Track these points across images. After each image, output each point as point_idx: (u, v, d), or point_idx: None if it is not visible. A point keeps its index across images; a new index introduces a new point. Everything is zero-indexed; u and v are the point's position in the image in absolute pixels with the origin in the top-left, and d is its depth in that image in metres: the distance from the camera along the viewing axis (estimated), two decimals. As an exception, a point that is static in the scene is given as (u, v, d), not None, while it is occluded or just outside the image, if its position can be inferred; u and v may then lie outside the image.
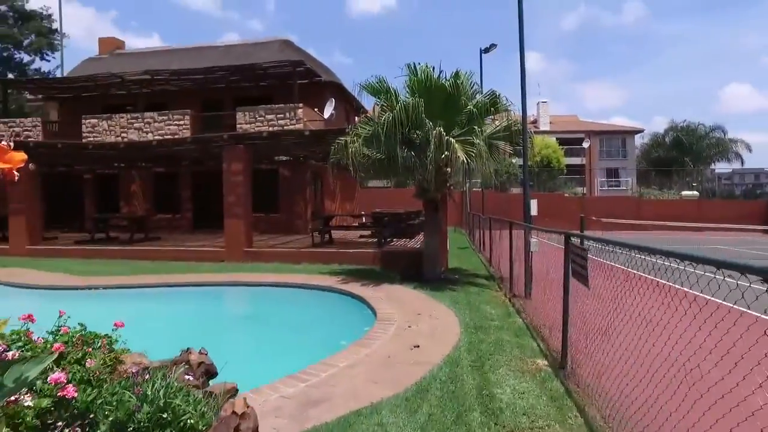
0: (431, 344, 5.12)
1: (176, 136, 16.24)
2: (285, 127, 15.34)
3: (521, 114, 8.84)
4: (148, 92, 20.25)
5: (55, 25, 33.17)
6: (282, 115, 16.51)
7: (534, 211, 8.36)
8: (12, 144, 1.65)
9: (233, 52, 21.95)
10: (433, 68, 8.96)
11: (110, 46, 24.96)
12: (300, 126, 15.39)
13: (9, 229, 13.71)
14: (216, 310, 8.30)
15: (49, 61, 34.25)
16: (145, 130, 17.48)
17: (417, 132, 8.80)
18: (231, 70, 17.84)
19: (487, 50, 20.22)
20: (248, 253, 12.10)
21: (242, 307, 8.69)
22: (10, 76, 31.56)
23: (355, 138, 8.74)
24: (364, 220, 16.97)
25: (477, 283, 9.19)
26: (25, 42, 32.73)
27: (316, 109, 17.61)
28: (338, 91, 20.32)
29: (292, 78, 17.30)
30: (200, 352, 3.03)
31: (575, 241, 4.25)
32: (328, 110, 17.64)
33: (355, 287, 8.38)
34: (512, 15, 9.26)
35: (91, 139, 17.06)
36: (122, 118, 18.19)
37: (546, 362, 4.53)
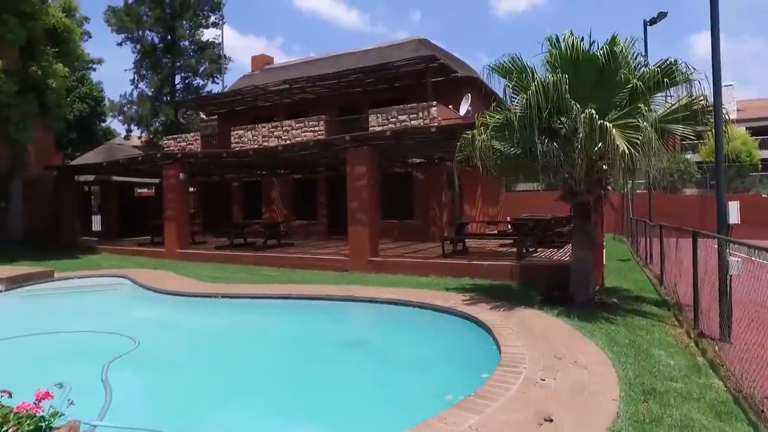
0: (571, 419, 3.47)
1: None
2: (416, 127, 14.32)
3: (712, 91, 6.43)
4: (289, 102, 21.04)
5: (222, 52, 37.07)
6: (415, 115, 15.57)
7: (734, 218, 5.95)
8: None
9: (369, 56, 21.75)
10: (582, 39, 7.06)
11: (261, 62, 26.76)
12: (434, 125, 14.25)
13: (164, 234, 14.93)
14: (314, 329, 7.44)
15: (217, 83, 38.41)
16: (284, 137, 18.01)
17: (560, 118, 6.98)
18: (364, 72, 17.45)
19: (653, 21, 16.82)
20: (372, 263, 11.27)
21: (343, 328, 7.68)
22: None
23: (482, 129, 7.24)
24: (504, 228, 15.14)
25: (643, 312, 6.99)
26: (201, 69, 37.27)
27: (451, 107, 16.33)
28: (477, 87, 18.76)
29: (426, 76, 16.30)
30: None
31: None
32: (464, 107, 16.22)
33: (482, 311, 6.88)
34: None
35: (238, 149, 18.07)
36: (264, 127, 19.04)
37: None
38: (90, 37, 42.17)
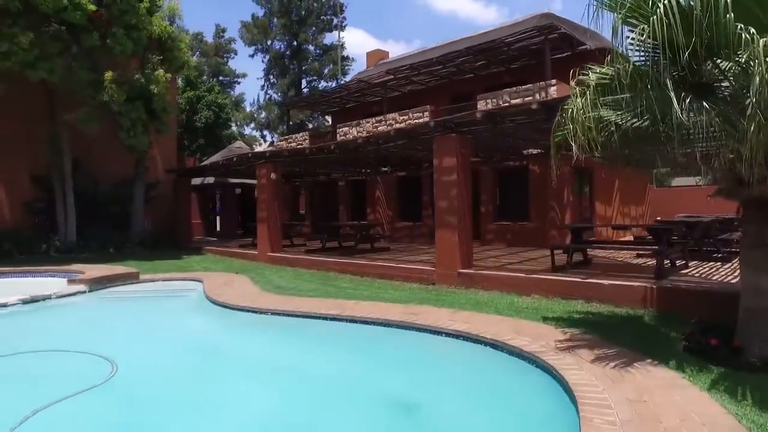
0: None
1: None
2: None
3: None
4: (399, 94, 19.67)
5: (340, 53, 37.34)
6: (530, 98, 13.03)
7: None
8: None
9: (486, 38, 19.41)
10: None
11: (376, 58, 25.84)
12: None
13: (257, 236, 14.49)
14: (349, 369, 5.68)
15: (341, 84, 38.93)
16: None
17: (716, 62, 4.34)
18: (472, 53, 15.28)
19: None
20: (463, 277, 9.21)
21: (382, 373, 5.52)
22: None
23: (583, 91, 4.88)
24: (640, 233, 11.82)
25: None
26: (325, 71, 38.03)
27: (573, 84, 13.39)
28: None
29: (544, 50, 13.64)
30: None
31: None
32: (592, 83, 13.16)
33: (578, 362, 4.55)
34: None
35: (321, 144, 17.20)
36: (368, 122, 17.87)
37: None
38: (236, 54, 46.10)
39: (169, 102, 15.02)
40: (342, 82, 38.75)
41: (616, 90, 4.68)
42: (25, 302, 9.08)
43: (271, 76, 36.85)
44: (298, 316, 7.43)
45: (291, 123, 35.93)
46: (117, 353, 5.65)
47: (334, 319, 7.10)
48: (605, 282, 7.48)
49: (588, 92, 4.73)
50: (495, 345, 5.44)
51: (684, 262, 8.99)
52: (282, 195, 14.43)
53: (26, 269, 12.57)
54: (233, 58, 45.69)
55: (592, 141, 4.88)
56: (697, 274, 8.30)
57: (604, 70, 4.89)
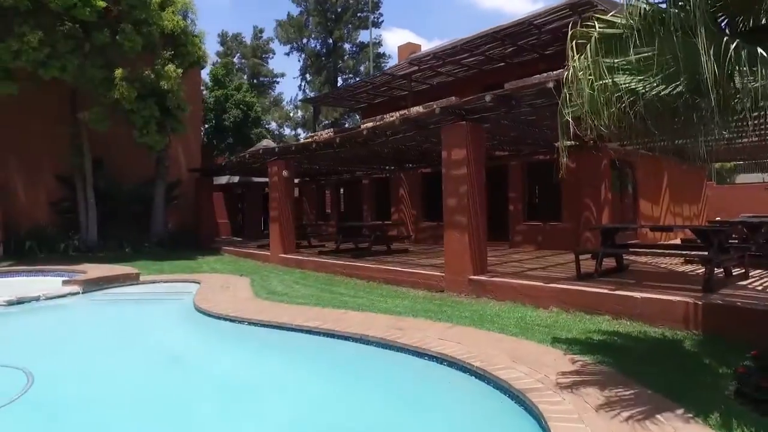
0: None
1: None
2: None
3: None
4: (427, 87, 18.60)
5: (371, 51, 36.47)
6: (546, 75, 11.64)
7: None
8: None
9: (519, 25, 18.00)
10: None
11: (407, 51, 24.79)
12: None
13: (270, 237, 13.83)
14: (293, 392, 4.73)
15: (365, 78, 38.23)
16: (408, 126, 15.59)
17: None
18: (499, 39, 14.00)
19: None
20: (474, 284, 8.08)
21: (330, 404, 4.47)
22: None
23: (587, 48, 3.70)
24: (688, 235, 10.19)
25: None
26: (361, 68, 37.33)
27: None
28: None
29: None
30: None
31: None
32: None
33: (581, 413, 3.40)
34: None
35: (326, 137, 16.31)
36: (391, 116, 16.86)
37: None
38: (273, 54, 46.35)
39: (183, 99, 14.55)
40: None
41: (624, 43, 3.49)
42: (10, 304, 8.73)
43: (307, 75, 36.57)
44: (273, 327, 6.56)
45: (326, 122, 35.55)
46: (56, 363, 5.05)
47: (310, 332, 6.18)
48: (638, 295, 6.15)
49: (589, 47, 3.55)
50: (481, 375, 4.34)
51: (743, 271, 7.46)
52: (292, 193, 13.68)
53: (39, 268, 12.44)
54: (272, 57, 45.97)
55: (607, 115, 3.75)
56: (759, 287, 6.80)
57: (614, 19, 3.69)
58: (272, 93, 47.10)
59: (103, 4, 12.54)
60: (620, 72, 3.73)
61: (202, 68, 19.16)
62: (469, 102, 7.87)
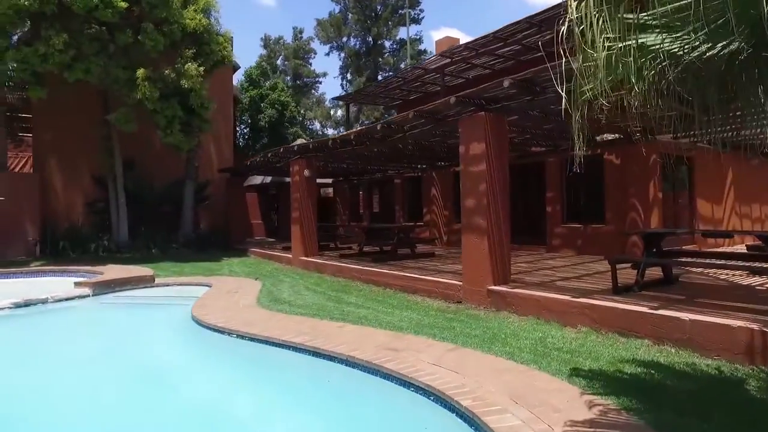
0: None
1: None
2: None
3: None
4: (463, 81, 17.62)
5: (408, 48, 35.55)
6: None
7: None
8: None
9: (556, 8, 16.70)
10: None
11: (445, 45, 23.79)
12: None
13: (291, 239, 13.32)
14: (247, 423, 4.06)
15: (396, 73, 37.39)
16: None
17: None
18: (533, 25, 12.86)
19: None
20: (494, 295, 7.14)
21: None
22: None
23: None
24: (755, 241, 8.73)
25: None
26: (402, 65, 36.56)
27: None
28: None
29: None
30: None
31: None
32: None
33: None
34: None
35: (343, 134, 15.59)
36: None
37: None
38: (315, 54, 46.49)
39: (206, 97, 14.30)
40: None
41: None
42: (17, 306, 8.60)
43: (348, 74, 36.23)
44: (259, 341, 5.92)
45: (366, 121, 35.03)
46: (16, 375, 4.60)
47: (296, 349, 5.50)
48: (686, 316, 5.05)
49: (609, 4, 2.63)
50: (469, 419, 3.48)
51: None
52: (314, 193, 13.09)
53: (64, 269, 12.51)
54: (313, 58, 46.08)
55: (633, 91, 2.86)
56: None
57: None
58: (315, 93, 47.23)
59: (124, 5, 12.44)
60: (643, 31, 2.78)
61: (236, 69, 19.01)
62: (488, 89, 6.94)
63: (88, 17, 12.52)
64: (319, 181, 22.91)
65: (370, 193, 20.53)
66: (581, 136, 3.60)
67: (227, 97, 19.85)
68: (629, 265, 7.31)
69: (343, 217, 22.02)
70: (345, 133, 11.41)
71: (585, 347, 5.06)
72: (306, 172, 12.77)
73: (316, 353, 5.28)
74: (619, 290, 6.39)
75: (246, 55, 75.34)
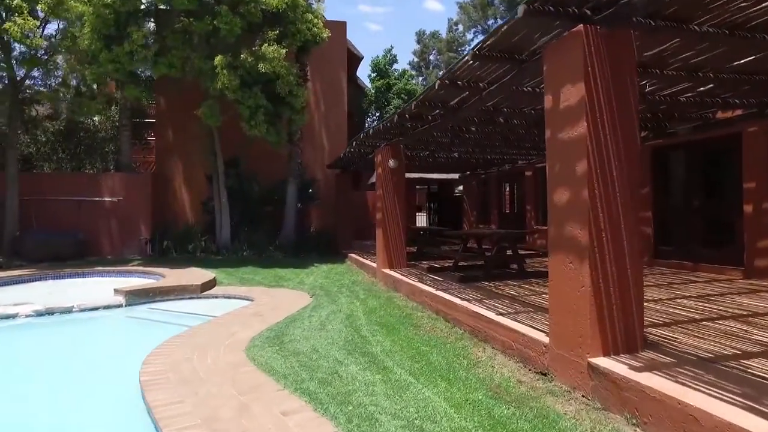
0: None
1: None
2: None
3: None
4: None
5: None
6: None
7: None
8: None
9: None
10: None
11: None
12: None
13: (376, 245, 10.85)
14: None
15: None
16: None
17: None
18: None
19: None
20: (599, 377, 3.68)
21: None
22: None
23: None
24: None
25: None
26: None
27: None
28: None
29: None
30: None
31: None
32: None
33: None
34: None
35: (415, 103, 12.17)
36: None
37: None
38: (469, 44, 43.65)
39: (295, 83, 12.68)
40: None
41: None
42: (39, 314, 7.80)
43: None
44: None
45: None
46: None
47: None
48: None
49: None
50: None
51: None
52: (402, 189, 10.39)
53: (143, 269, 12.10)
54: (465, 49, 43.28)
55: None
56: None
57: None
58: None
59: (198, -10, 11.44)
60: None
61: (360, 60, 17.16)
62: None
63: (179, 12, 11.87)
64: (443, 176, 20.16)
65: (500, 188, 17.03)
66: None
67: (337, 86, 18.25)
68: None
69: (471, 219, 18.90)
70: (406, 103, 8.57)
71: None
72: (391, 162, 10.20)
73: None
74: None
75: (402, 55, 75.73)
